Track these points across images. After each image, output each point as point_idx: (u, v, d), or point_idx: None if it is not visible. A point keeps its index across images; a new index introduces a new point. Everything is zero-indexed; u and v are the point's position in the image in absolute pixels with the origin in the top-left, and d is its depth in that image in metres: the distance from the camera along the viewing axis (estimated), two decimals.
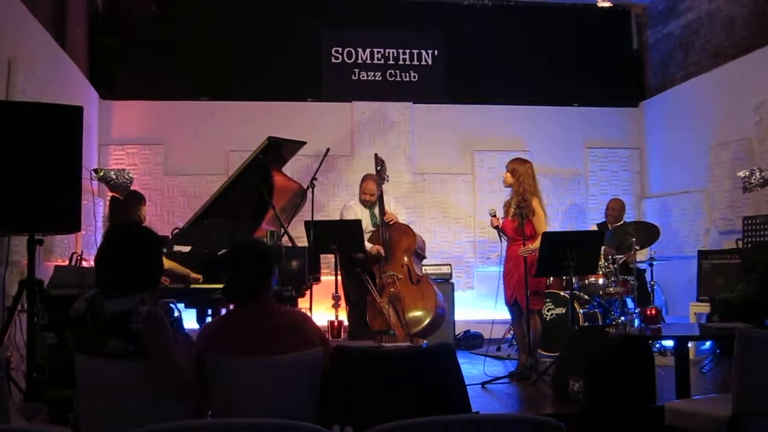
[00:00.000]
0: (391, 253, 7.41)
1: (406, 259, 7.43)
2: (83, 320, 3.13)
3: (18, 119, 4.69)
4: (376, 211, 7.67)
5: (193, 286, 6.13)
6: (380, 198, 7.61)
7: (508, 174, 6.85)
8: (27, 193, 4.61)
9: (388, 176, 7.76)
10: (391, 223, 7.53)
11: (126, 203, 6.07)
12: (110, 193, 6.11)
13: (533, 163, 7.00)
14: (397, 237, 7.48)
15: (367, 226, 7.54)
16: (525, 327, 6.66)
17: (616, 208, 8.79)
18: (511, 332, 7.81)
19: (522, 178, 6.74)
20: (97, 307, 3.12)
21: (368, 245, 7.40)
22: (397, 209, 7.82)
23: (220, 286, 5.84)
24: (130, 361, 3.06)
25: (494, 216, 6.86)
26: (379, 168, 7.64)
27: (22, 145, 4.65)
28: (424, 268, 7.95)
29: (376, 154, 7.79)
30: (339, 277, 7.11)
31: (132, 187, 6.14)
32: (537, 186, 6.87)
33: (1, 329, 4.75)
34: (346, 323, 7.03)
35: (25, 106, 5.03)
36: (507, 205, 6.92)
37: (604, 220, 8.91)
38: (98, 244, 3.48)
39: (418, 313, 7.26)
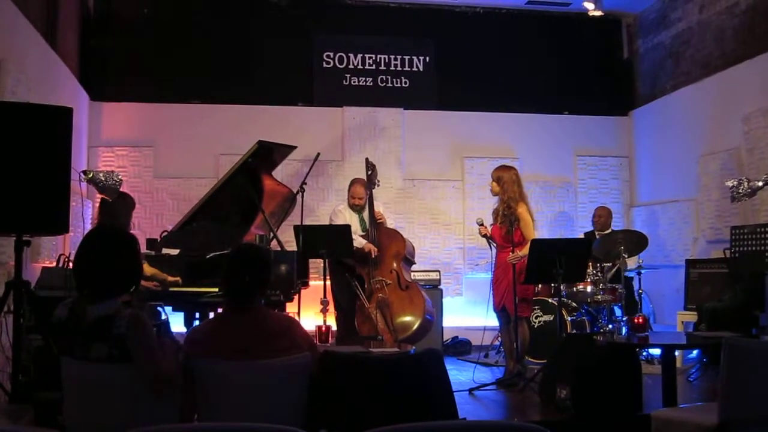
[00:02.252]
0: (380, 259, 7.41)
1: (395, 264, 7.42)
2: (65, 327, 3.12)
3: (7, 120, 4.67)
4: (365, 215, 7.67)
5: (180, 289, 6.10)
6: (370, 202, 7.61)
7: (494, 183, 6.86)
8: (15, 194, 4.58)
9: (378, 181, 7.77)
10: (379, 220, 7.53)
11: (115, 205, 6.04)
12: (99, 196, 6.08)
13: (523, 169, 7.02)
14: (386, 242, 7.48)
15: (357, 230, 7.54)
16: (513, 334, 6.66)
17: (602, 215, 8.82)
18: (499, 339, 7.82)
19: (506, 186, 6.76)
20: (78, 312, 3.11)
21: (362, 241, 7.40)
22: (384, 216, 7.82)
23: (208, 290, 5.87)
24: (115, 365, 3.05)
25: (482, 225, 6.87)
26: (369, 172, 7.65)
27: (10, 145, 4.63)
28: (412, 274, 7.94)
29: (367, 159, 7.80)
30: (328, 282, 7.11)
31: (121, 189, 6.10)
32: (523, 192, 6.88)
33: None
34: (334, 328, 7.03)
35: (15, 106, 5.01)
36: (496, 213, 6.93)
37: (592, 228, 8.93)
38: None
39: (406, 319, 7.25)
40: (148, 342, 3.09)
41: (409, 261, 7.68)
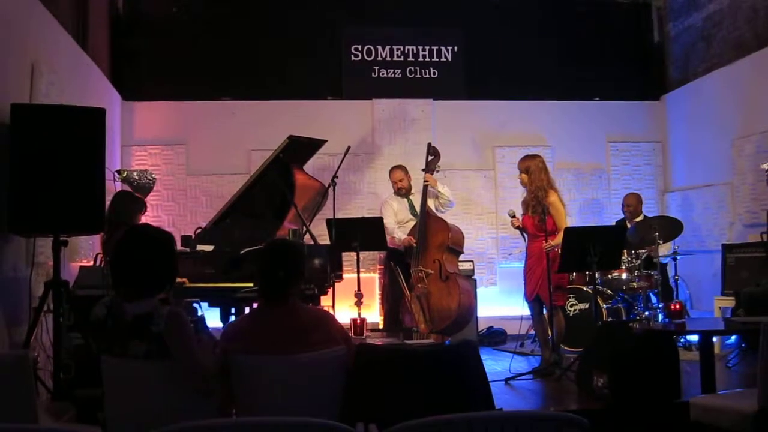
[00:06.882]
0: (424, 248, 7.43)
1: (438, 254, 7.42)
2: (104, 325, 3.16)
3: (42, 122, 4.74)
4: (413, 199, 7.75)
5: (216, 285, 6.14)
6: (424, 189, 7.62)
7: (523, 174, 6.82)
8: (52, 195, 4.65)
9: (439, 167, 7.79)
10: (426, 183, 7.59)
11: (121, 205, 6.10)
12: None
13: (555, 157, 6.97)
14: (432, 232, 7.48)
15: (406, 215, 7.63)
16: (547, 323, 6.64)
17: (631, 204, 8.69)
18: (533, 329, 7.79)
19: (533, 175, 6.72)
20: (117, 311, 3.15)
21: (401, 236, 7.48)
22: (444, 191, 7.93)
23: (243, 285, 5.91)
24: (153, 362, 3.09)
25: (514, 217, 6.85)
26: (430, 158, 7.68)
27: (46, 147, 4.70)
28: None
29: (429, 144, 7.82)
30: (362, 275, 7.15)
31: (155, 188, 6.17)
32: (551, 178, 6.84)
33: (28, 330, 4.81)
34: (369, 321, 7.06)
35: (49, 108, 5.08)
36: (525, 203, 6.89)
37: (624, 216, 8.84)
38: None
39: (443, 310, 7.26)
40: (187, 338, 3.12)
41: (455, 251, 7.63)
